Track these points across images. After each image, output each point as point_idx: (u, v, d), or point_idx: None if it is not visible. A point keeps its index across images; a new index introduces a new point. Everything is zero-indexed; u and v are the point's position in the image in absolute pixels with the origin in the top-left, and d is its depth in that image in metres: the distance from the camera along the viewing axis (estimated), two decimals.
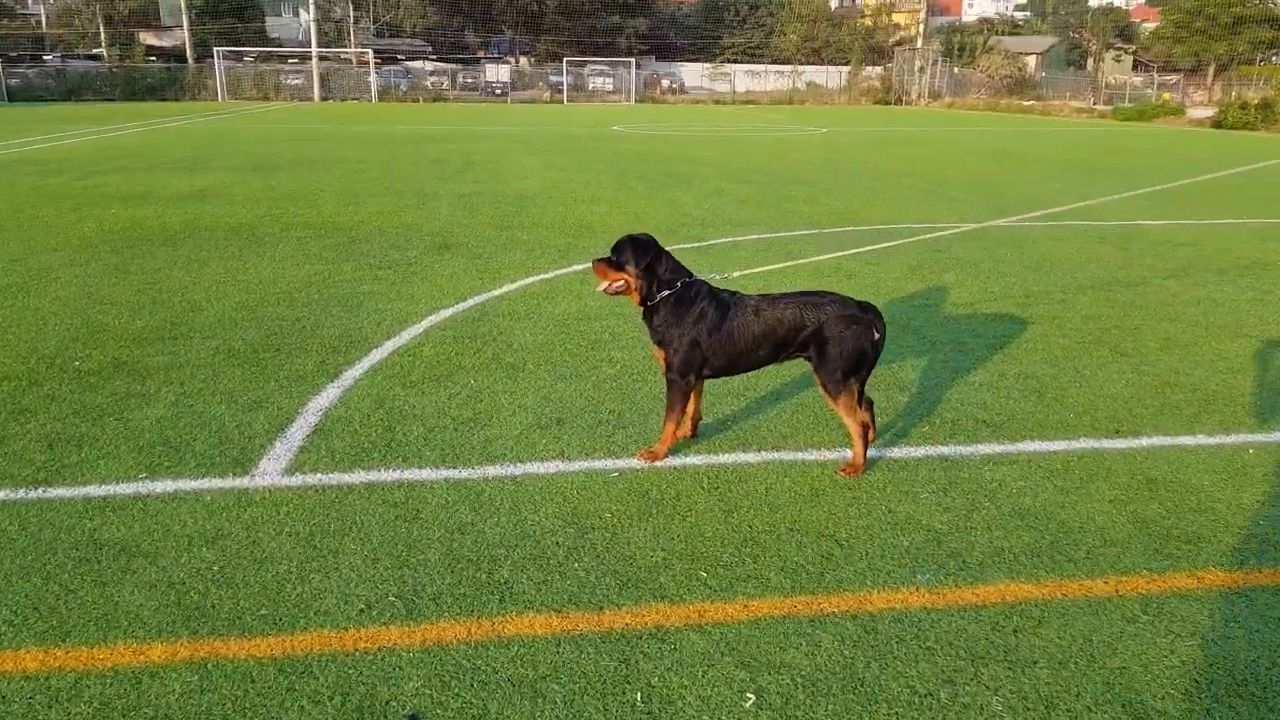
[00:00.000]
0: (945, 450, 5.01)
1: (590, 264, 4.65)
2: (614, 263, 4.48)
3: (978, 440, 5.15)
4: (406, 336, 6.89)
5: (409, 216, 12.12)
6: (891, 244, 10.41)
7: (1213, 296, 8.40)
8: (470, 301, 7.93)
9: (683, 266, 4.58)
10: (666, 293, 4.43)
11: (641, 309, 4.50)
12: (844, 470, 4.66)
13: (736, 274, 5.30)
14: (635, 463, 4.79)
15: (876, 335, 4.57)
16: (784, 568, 3.82)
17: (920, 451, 5.00)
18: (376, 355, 6.45)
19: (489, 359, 6.43)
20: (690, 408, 4.84)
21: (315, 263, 9.27)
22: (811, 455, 4.92)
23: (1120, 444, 5.09)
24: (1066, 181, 17.59)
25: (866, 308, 4.60)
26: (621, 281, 4.48)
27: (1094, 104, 53.90)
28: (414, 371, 6.14)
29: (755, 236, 11.11)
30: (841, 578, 3.77)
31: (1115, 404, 5.69)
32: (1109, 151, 25.39)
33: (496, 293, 8.25)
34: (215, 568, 3.71)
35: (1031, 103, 54.84)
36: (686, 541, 3.97)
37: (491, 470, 4.69)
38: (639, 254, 4.43)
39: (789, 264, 8.52)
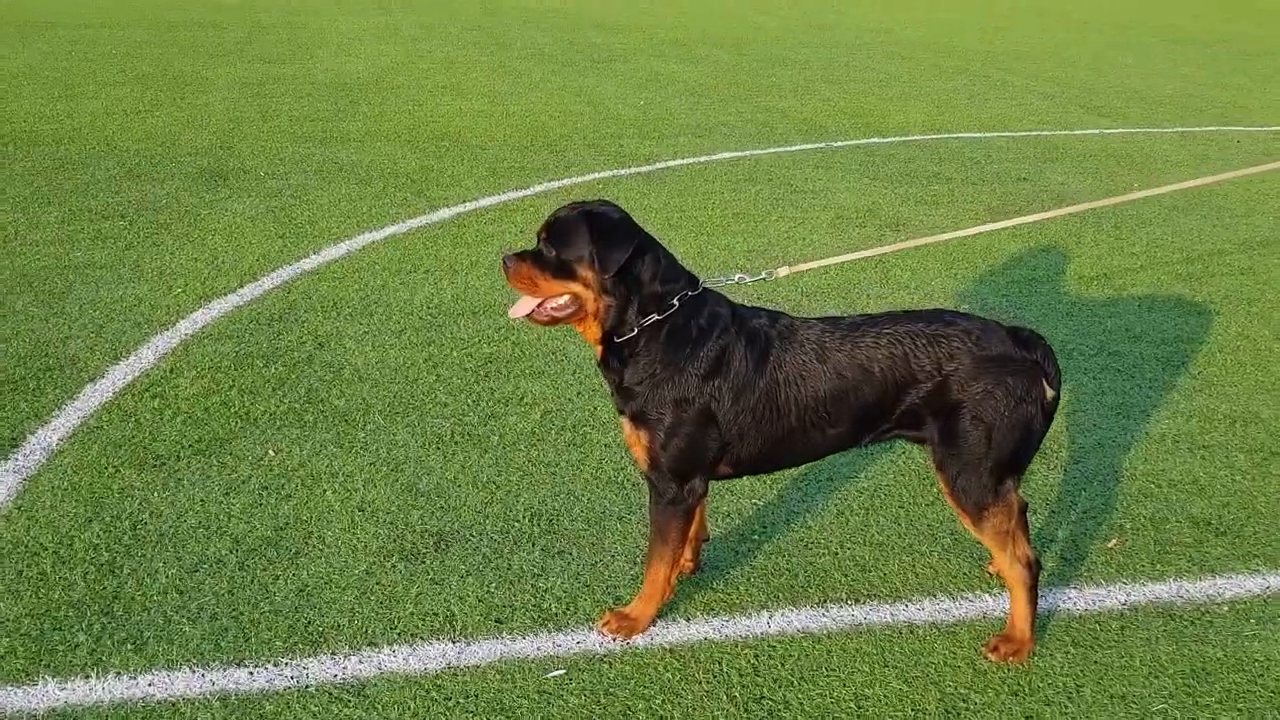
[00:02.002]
0: (1159, 590, 3.93)
1: (501, 262, 3.38)
2: (551, 262, 3.34)
3: (1206, 561, 4.09)
4: (148, 356, 5.50)
5: (158, 121, 10.53)
6: (943, 167, 9.34)
7: None
8: (264, 283, 6.53)
9: (681, 266, 3.47)
10: (655, 318, 3.37)
11: (600, 348, 3.46)
12: (996, 650, 3.54)
13: (783, 270, 3.98)
14: (595, 642, 3.59)
15: (1051, 393, 3.47)
16: None
17: (1115, 597, 3.90)
18: (89, 400, 5.05)
19: (300, 402, 5.08)
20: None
21: None
22: (927, 610, 3.78)
23: None
24: (1177, 60, 16.92)
25: (1026, 340, 3.52)
26: (567, 297, 3.37)
27: None
28: (158, 434, 4.77)
29: (728, 155, 9.94)
30: None
31: None
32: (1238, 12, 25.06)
33: (308, 264, 6.88)
34: None
35: None
36: None
37: (312, 672, 3.43)
38: (605, 243, 3.30)
39: (816, 208, 7.38)
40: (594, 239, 3.27)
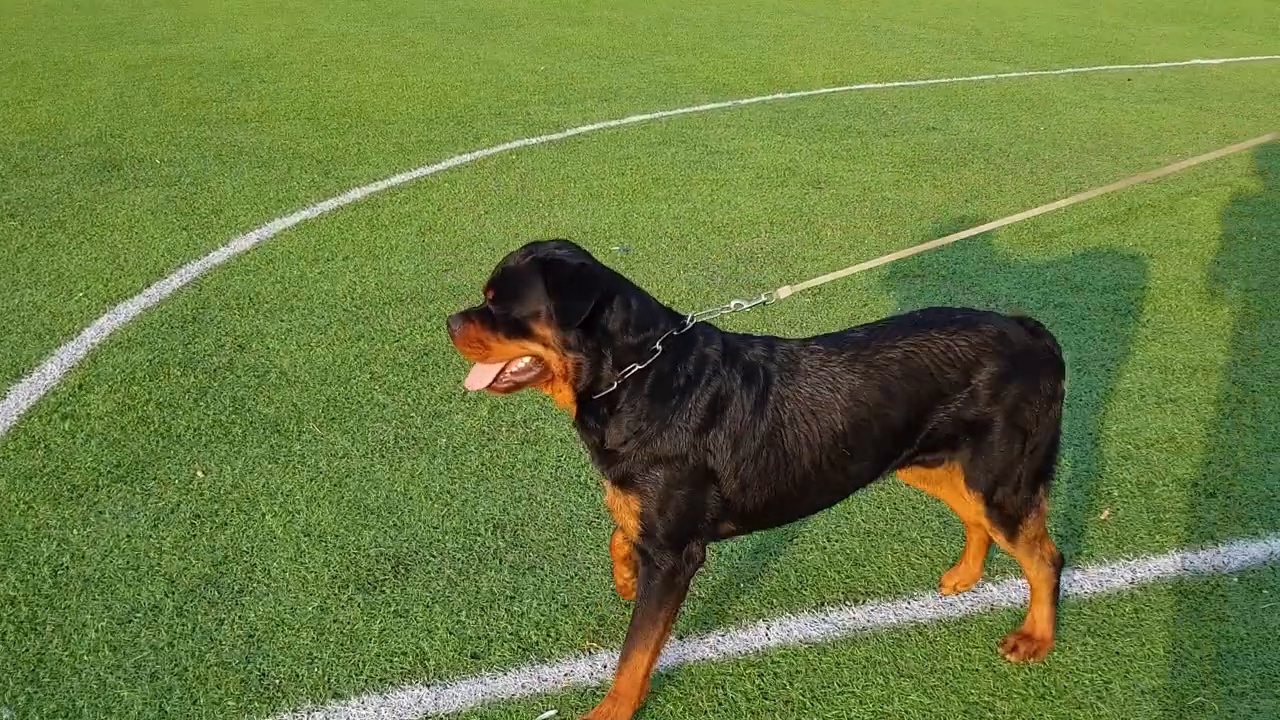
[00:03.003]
0: (1164, 564, 3.61)
1: (447, 326, 2.81)
2: (502, 320, 2.75)
3: (1203, 526, 3.79)
4: (53, 371, 4.87)
5: (42, 111, 9.65)
6: (853, 120, 9.00)
7: None
8: (172, 281, 5.89)
9: (659, 306, 2.90)
10: (635, 368, 2.80)
11: (574, 409, 2.87)
12: (1015, 649, 3.20)
13: (785, 291, 3.38)
14: (584, 673, 3.18)
15: (1064, 381, 3.10)
16: None
17: (1121, 575, 3.57)
18: None
19: (226, 414, 4.52)
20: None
21: None
22: (930, 607, 3.40)
23: None
24: (1053, 2, 16.70)
25: (1035, 329, 3.18)
26: (527, 360, 2.79)
27: None
28: (72, 460, 4.18)
29: (638, 118, 9.43)
30: None
31: None
32: None
33: (218, 257, 6.25)
34: None
35: None
36: None
37: None
38: (562, 295, 2.72)
39: (734, 169, 6.92)
40: (549, 291, 2.70)
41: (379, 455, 4.26)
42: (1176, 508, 3.92)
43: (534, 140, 8.66)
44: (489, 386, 2.79)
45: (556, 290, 2.70)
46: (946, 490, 3.31)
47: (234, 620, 3.36)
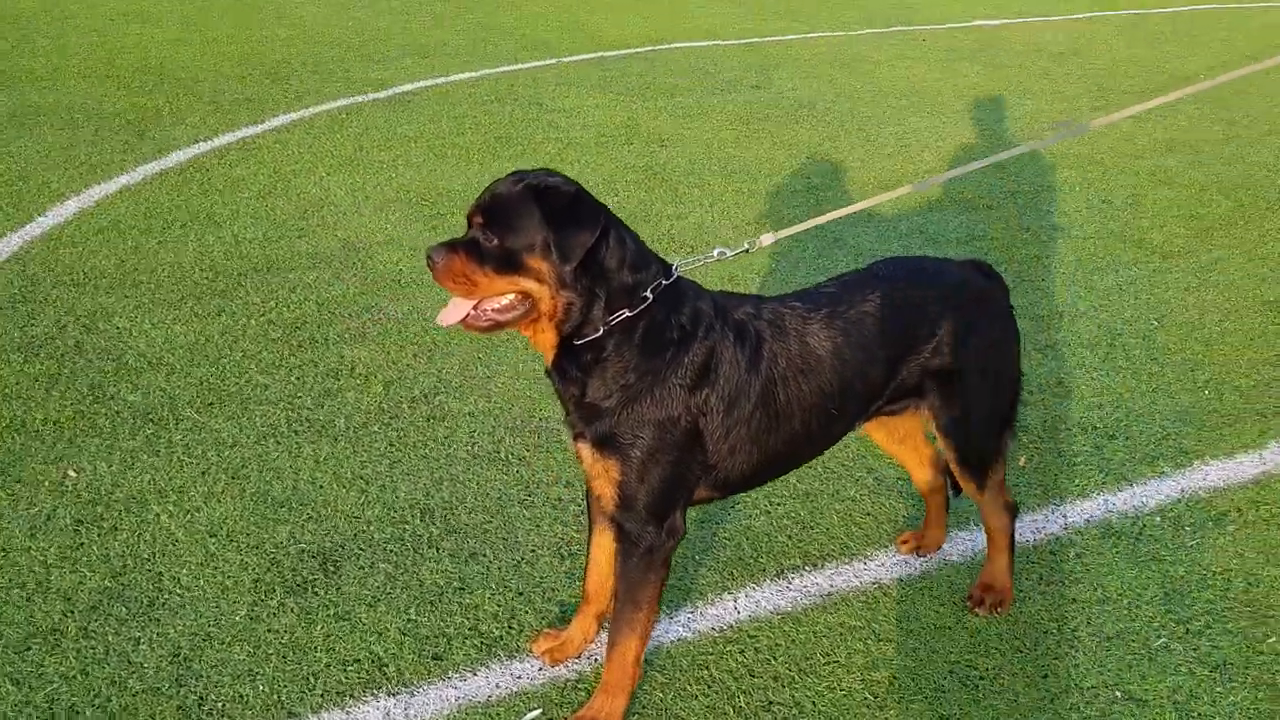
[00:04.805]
0: (1090, 508, 3.61)
1: (427, 258, 2.47)
2: (492, 253, 2.43)
3: (1113, 468, 3.81)
4: None
5: None
6: (679, 79, 8.86)
7: None
8: None
9: (650, 249, 2.62)
10: (625, 314, 2.51)
11: (553, 354, 2.57)
12: (981, 603, 3.14)
13: (768, 238, 3.10)
14: (562, 665, 2.87)
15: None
16: None
17: (1055, 522, 3.54)
18: None
19: (86, 403, 4.01)
20: (602, 558, 2.91)
21: None
22: (887, 566, 3.28)
23: None
24: None
25: (988, 271, 3.10)
26: (512, 296, 2.47)
27: None
28: None
29: (464, 76, 8.98)
30: None
31: None
32: None
33: (36, 229, 5.58)
34: None
35: None
36: None
37: None
38: (562, 226, 2.42)
39: (576, 128, 6.60)
40: (548, 221, 2.40)
41: (273, 441, 3.82)
42: (1085, 451, 3.93)
43: (360, 99, 8.11)
44: (463, 322, 2.46)
45: (554, 220, 2.39)
46: (908, 453, 3.19)
47: (152, 638, 2.92)
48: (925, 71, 9.73)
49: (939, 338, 2.84)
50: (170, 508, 3.44)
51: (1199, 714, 2.75)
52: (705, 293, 2.66)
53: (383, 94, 8.29)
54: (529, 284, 2.43)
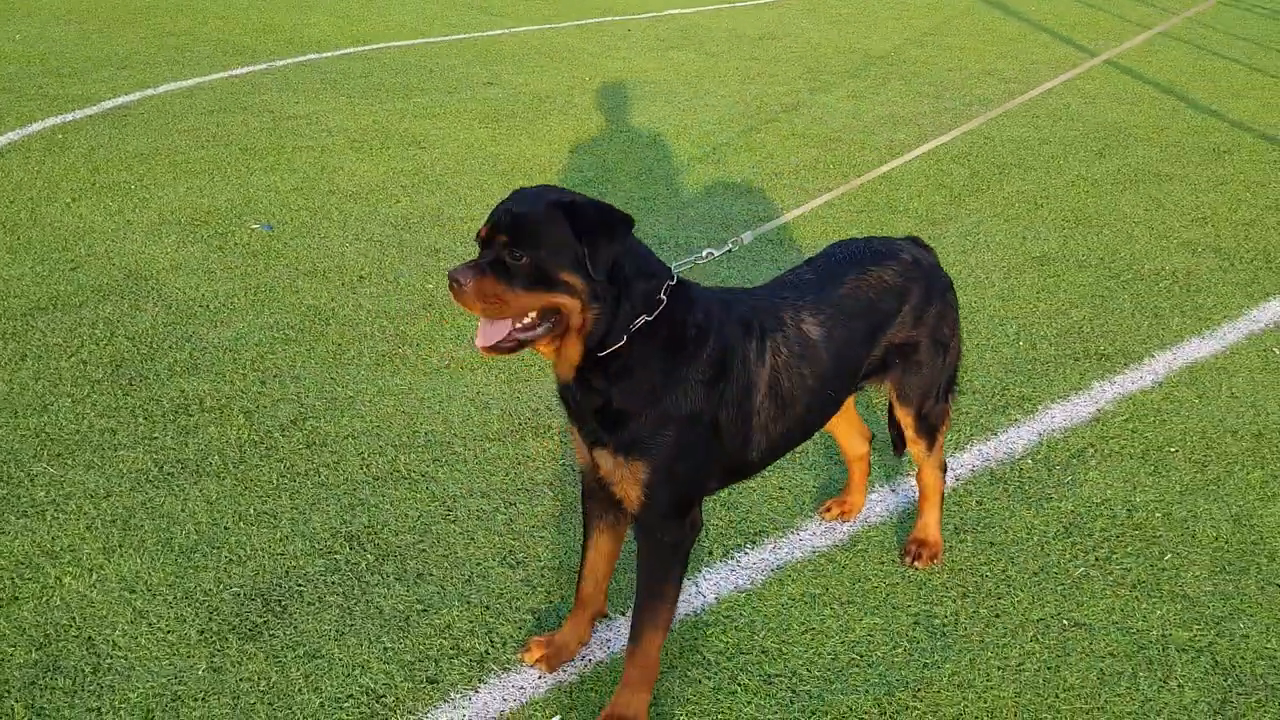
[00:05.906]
0: (968, 460, 4.01)
1: (450, 281, 2.44)
2: (523, 271, 2.44)
3: (970, 419, 4.23)
4: None
5: None
6: (410, 79, 8.83)
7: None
8: None
9: (652, 251, 2.73)
10: (644, 320, 2.60)
11: (576, 367, 2.60)
12: (918, 557, 3.46)
13: (747, 236, 3.16)
14: (572, 670, 2.97)
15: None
16: None
17: (960, 463, 3.93)
18: None
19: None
20: (600, 561, 3.00)
21: None
22: (820, 535, 3.54)
23: None
24: None
25: (926, 245, 3.39)
26: (532, 315, 2.50)
27: None
28: None
29: (173, 86, 8.53)
30: None
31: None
32: None
33: None
34: None
35: None
36: None
37: None
38: (594, 239, 2.47)
39: (324, 135, 6.38)
40: (579, 234, 2.45)
41: (151, 486, 3.62)
42: None
43: (70, 116, 7.57)
44: (492, 343, 2.47)
45: (586, 233, 2.45)
46: (844, 425, 3.44)
47: (112, 706, 2.74)
48: (644, 61, 10.13)
49: (904, 313, 3.10)
50: (69, 568, 3.21)
51: (1137, 630, 3.14)
52: (706, 289, 2.80)
53: (94, 110, 7.76)
54: (562, 299, 2.46)
